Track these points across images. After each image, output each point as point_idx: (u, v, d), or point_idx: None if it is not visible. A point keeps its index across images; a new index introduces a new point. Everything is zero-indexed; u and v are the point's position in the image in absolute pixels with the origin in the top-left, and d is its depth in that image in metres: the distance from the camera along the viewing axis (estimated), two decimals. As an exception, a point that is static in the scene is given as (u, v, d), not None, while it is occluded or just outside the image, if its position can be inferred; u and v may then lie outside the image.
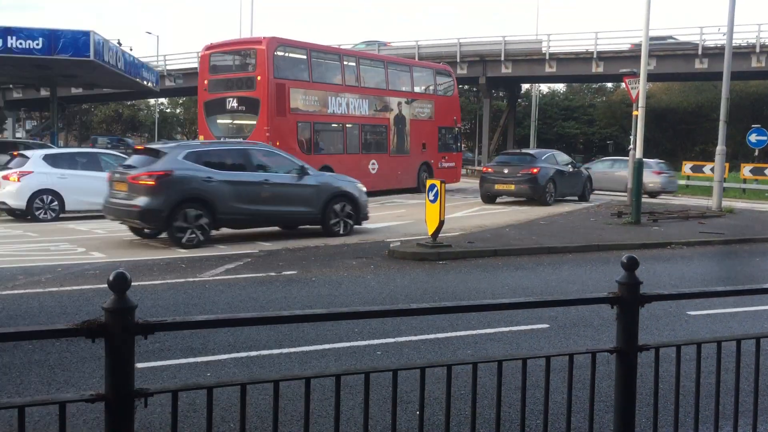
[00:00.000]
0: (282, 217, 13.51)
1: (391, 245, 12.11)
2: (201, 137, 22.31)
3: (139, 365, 5.33)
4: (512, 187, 21.05)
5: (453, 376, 2.68)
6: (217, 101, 21.74)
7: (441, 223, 11.53)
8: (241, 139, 19.34)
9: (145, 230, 12.98)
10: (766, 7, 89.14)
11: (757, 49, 39.62)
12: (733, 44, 21.36)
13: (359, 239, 13.32)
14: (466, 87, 69.11)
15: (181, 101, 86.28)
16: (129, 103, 79.63)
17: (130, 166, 12.69)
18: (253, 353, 5.90)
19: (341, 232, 13.74)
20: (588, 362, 2.92)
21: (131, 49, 30.23)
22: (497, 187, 21.38)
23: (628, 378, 2.89)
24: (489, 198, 21.89)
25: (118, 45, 25.28)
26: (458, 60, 46.72)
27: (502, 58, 45.65)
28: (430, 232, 11.67)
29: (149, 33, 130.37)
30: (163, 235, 12.49)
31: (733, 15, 19.21)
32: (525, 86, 61.25)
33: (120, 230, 13.53)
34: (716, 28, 41.59)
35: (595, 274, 10.43)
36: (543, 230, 14.76)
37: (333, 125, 23.18)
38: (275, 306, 7.75)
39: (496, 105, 58.93)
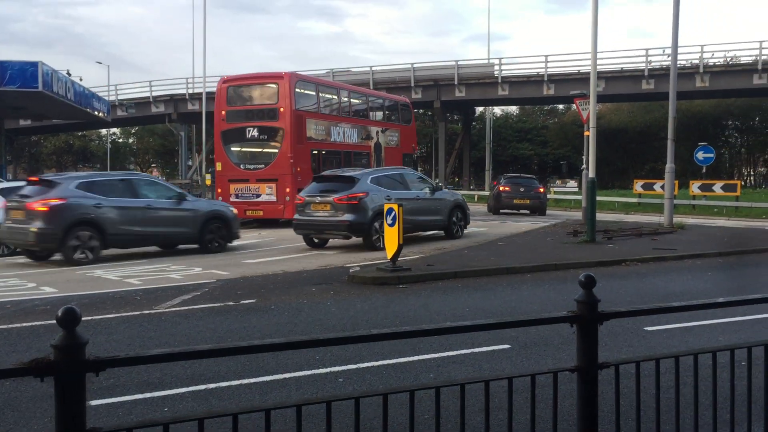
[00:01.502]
0: (164, 236, 15.35)
1: (351, 270, 12.06)
2: (218, 164, 24.02)
3: (92, 402, 5.18)
4: (527, 201, 29.46)
5: (416, 401, 2.65)
6: (236, 130, 23.44)
7: (400, 246, 11.53)
8: (263, 166, 22.76)
9: (37, 253, 14.36)
10: (708, 29, 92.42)
11: (701, 70, 40.97)
12: (678, 65, 22.03)
13: (323, 263, 13.24)
14: (421, 111, 69.79)
15: (133, 131, 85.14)
16: (80, 133, 78.20)
17: (26, 195, 14.00)
18: (212, 385, 5.77)
19: (215, 249, 15.67)
20: (550, 381, 2.92)
21: (81, 79, 29.81)
22: (515, 201, 29.36)
23: (590, 396, 2.90)
24: (496, 210, 29.64)
25: (67, 75, 24.91)
26: (413, 84, 47.24)
27: (456, 82, 46.30)
28: (390, 255, 11.66)
29: (99, 63, 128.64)
30: (56, 256, 13.98)
31: (677, 37, 19.85)
32: (479, 109, 62.07)
33: (72, 264, 13.19)
34: (661, 50, 42.94)
35: (553, 293, 10.52)
36: (502, 250, 14.89)
37: (334, 152, 25.09)
38: (234, 336, 7.62)
39: (451, 128, 59.58)
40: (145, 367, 5.99)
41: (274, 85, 23.47)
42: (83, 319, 2.14)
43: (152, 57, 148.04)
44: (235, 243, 16.54)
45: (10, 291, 10.81)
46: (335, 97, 26.53)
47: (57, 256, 14.20)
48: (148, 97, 54.83)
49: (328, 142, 24.70)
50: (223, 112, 23.94)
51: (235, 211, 16.83)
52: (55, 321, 2.14)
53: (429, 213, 17.15)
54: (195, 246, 15.70)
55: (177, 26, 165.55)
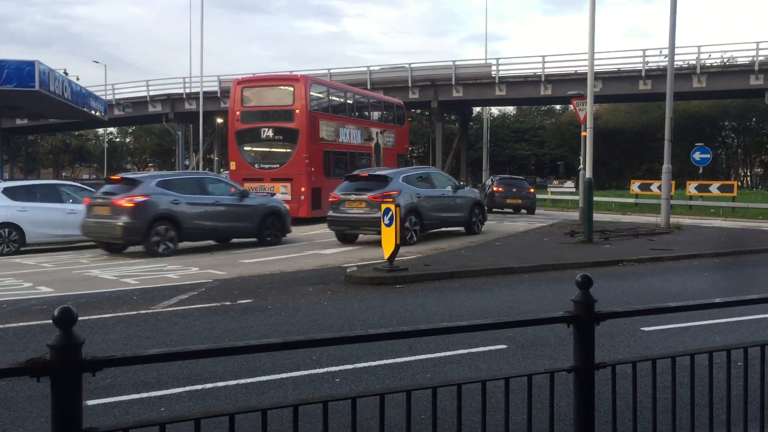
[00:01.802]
0: (229, 231, 16.35)
1: (348, 270, 12.06)
2: (232, 164, 24.48)
3: (89, 402, 5.18)
4: (519, 201, 30.64)
5: (413, 401, 2.65)
6: (250, 131, 24.01)
7: (397, 246, 11.53)
8: (278, 166, 23.40)
9: (112, 246, 15.53)
10: (705, 29, 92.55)
11: (698, 70, 41.03)
12: (675, 66, 22.06)
13: (320, 263, 13.24)
14: (418, 111, 69.77)
15: (130, 130, 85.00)
16: (77, 133, 78.05)
17: (110, 193, 15.16)
18: (209, 385, 5.77)
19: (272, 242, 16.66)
20: (547, 382, 2.92)
21: (78, 79, 29.76)
22: (509, 201, 30.39)
23: (586, 396, 2.90)
24: (490, 209, 27.67)
25: (64, 74, 24.86)
26: (410, 85, 47.25)
27: (453, 82, 46.31)
28: (387, 255, 11.66)
29: (96, 62, 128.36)
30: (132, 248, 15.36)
31: (674, 38, 19.87)
32: (476, 109, 62.16)
33: (68, 263, 13.17)
34: (658, 50, 43.00)
35: (550, 294, 10.53)
36: (498, 251, 14.90)
37: (342, 152, 25.72)
38: (231, 336, 7.61)
39: (448, 128, 59.62)
40: (142, 367, 5.98)
41: (289, 87, 24.06)
42: (80, 318, 2.13)
43: (150, 57, 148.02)
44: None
45: (7, 290, 10.78)
46: (343, 99, 27.33)
47: (132, 249, 15.54)
48: (145, 97, 54.77)
49: (337, 142, 25.32)
50: (238, 113, 24.29)
51: (287, 207, 17.99)
52: (51, 321, 2.13)
53: (453, 210, 18.10)
54: (253, 239, 16.74)
55: (174, 26, 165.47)
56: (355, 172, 18.48)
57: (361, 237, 17.29)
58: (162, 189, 15.14)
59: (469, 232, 18.60)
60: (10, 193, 16.14)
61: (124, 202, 14.65)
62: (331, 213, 16.95)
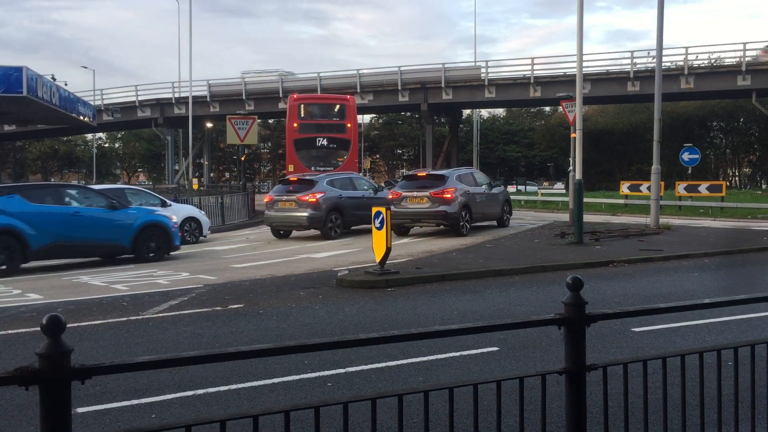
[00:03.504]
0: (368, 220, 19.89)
1: (339, 274, 12.04)
2: (290, 166, 28.87)
3: (79, 410, 5.14)
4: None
5: (405, 404, 2.65)
6: (307, 139, 29.04)
7: (388, 249, 11.52)
8: (331, 169, 27.20)
9: (283, 232, 19.79)
10: (693, 31, 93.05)
11: (686, 71, 41.25)
12: (663, 67, 22.18)
13: (311, 267, 13.20)
14: (408, 114, 69.79)
15: (119, 135, 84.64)
16: (65, 138, 77.67)
17: (292, 191, 19.18)
18: (200, 391, 5.74)
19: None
20: (538, 384, 2.92)
21: (66, 84, 29.62)
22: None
23: (578, 398, 2.90)
24: None
25: (52, 80, 24.73)
26: (400, 87, 47.30)
27: (443, 85, 46.38)
28: (378, 259, 11.65)
29: (85, 67, 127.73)
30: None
31: (661, 39, 19.97)
32: (466, 112, 62.26)
33: (58, 270, 13.07)
34: (646, 52, 43.22)
35: (542, 295, 10.55)
36: (489, 253, 14.91)
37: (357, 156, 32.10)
38: (222, 341, 7.58)
39: (438, 131, 59.72)
40: (132, 374, 5.94)
41: (342, 104, 30.02)
42: (69, 325, 2.12)
43: (138, 61, 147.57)
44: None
45: (-5, 298, 10.71)
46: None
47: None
48: (134, 102, 54.56)
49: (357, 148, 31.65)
50: (295, 124, 29.20)
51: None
52: (39, 328, 2.12)
53: (491, 206, 20.84)
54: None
55: (163, 30, 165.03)
56: (412, 172, 21.65)
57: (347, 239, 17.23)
58: (330, 187, 19.32)
59: (500, 226, 21.17)
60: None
61: (309, 197, 18.78)
62: (392, 208, 17.60)
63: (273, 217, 19.49)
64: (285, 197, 19.16)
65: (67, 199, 14.54)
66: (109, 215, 14.61)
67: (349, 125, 29.49)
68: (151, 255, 15.07)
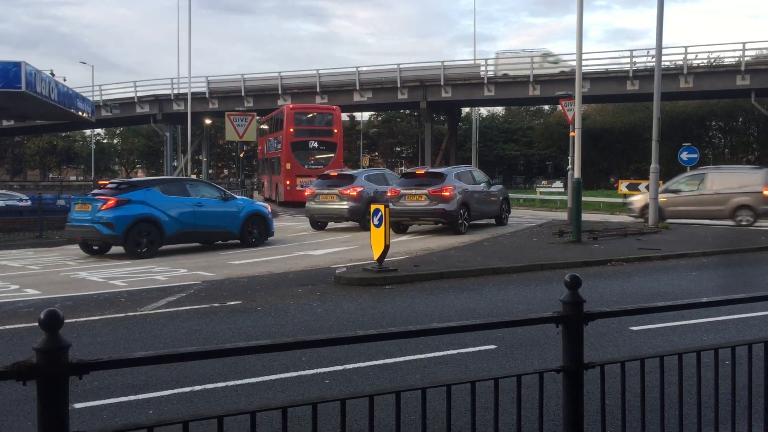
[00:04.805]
0: None
1: (337, 271, 12.04)
2: (288, 165, 33.46)
3: (76, 405, 5.14)
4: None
5: (402, 402, 2.65)
6: (302, 142, 33.91)
7: (386, 247, 11.52)
8: (322, 166, 31.84)
9: (318, 223, 21.38)
10: (692, 30, 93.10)
11: (685, 71, 41.25)
12: (662, 66, 22.16)
13: (309, 264, 13.19)
14: (407, 112, 69.70)
15: (118, 131, 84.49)
16: (64, 134, 77.53)
17: (333, 185, 20.71)
18: (198, 387, 5.74)
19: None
20: (536, 382, 2.92)
21: (65, 80, 29.57)
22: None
23: (575, 396, 2.90)
24: None
25: (51, 75, 24.68)
26: (399, 85, 47.26)
27: (442, 83, 46.33)
28: (376, 256, 11.65)
29: (83, 63, 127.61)
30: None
31: (661, 38, 19.96)
32: (465, 110, 62.21)
33: (55, 266, 13.07)
34: (645, 51, 43.20)
35: (540, 294, 10.55)
36: (488, 251, 14.91)
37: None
38: (220, 338, 7.58)
39: (437, 129, 59.69)
40: (130, 370, 5.94)
41: (330, 114, 35.46)
42: (67, 321, 2.12)
43: (137, 58, 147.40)
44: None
45: (-7, 293, 10.70)
46: None
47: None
48: (133, 98, 54.47)
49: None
50: (292, 129, 33.83)
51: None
52: (37, 324, 2.11)
53: (489, 204, 20.99)
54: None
55: (162, 27, 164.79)
56: (410, 170, 21.89)
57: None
58: (367, 182, 20.86)
59: (498, 224, 21.31)
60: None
61: (350, 191, 20.25)
62: (390, 205, 17.58)
63: (314, 209, 20.98)
64: (327, 191, 20.57)
65: (189, 191, 16.34)
66: (223, 205, 16.52)
67: (335, 131, 34.95)
68: (253, 240, 16.88)
